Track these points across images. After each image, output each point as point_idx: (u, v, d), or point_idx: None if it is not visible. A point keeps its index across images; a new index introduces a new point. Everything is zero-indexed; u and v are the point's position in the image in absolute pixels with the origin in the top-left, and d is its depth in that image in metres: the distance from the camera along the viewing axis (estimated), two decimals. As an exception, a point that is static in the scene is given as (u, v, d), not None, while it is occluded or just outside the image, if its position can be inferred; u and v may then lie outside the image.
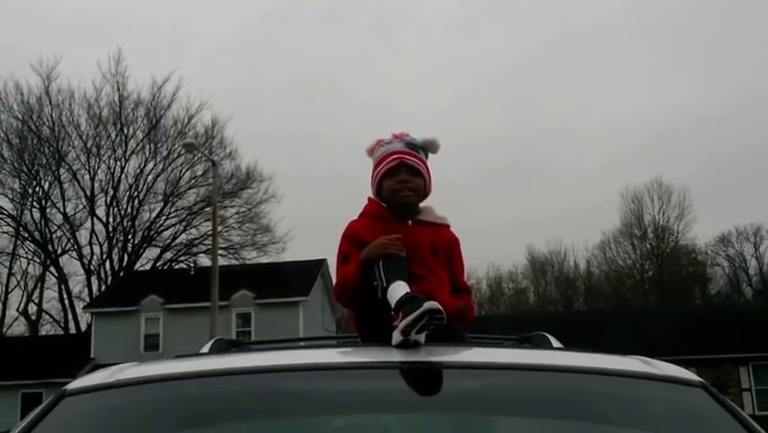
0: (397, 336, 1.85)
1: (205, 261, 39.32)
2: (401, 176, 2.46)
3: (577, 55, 76.53)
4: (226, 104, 70.90)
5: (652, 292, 54.21)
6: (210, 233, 29.08)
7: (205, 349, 2.57)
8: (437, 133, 2.57)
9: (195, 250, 43.28)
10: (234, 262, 40.93)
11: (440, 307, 1.88)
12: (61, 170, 41.17)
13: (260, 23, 75.86)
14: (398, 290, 2.05)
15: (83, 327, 39.94)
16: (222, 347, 2.63)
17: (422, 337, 1.85)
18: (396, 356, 1.79)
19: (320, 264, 32.97)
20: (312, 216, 61.30)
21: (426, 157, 2.58)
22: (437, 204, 2.61)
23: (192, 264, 39.85)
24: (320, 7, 76.73)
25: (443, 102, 76.56)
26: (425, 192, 2.54)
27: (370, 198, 2.58)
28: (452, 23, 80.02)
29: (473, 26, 79.84)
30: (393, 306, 2.00)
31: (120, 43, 58.08)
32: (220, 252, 34.72)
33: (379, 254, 2.20)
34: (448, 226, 2.58)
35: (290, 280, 31.66)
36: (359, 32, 77.67)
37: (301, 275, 32.20)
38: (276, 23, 77.33)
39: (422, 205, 2.56)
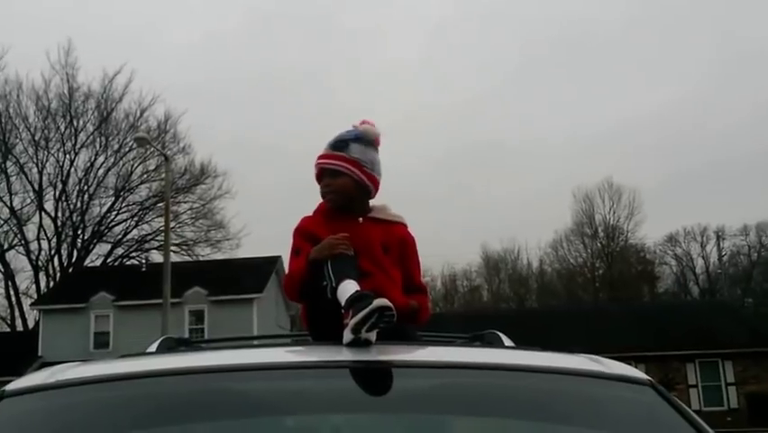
0: (347, 335, 1.84)
1: (157, 257, 38.89)
2: (324, 180, 2.50)
3: (534, 62, 77.45)
4: (182, 100, 69.95)
5: (602, 290, 55.19)
6: (162, 228, 28.67)
7: (153, 348, 2.52)
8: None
9: (147, 246, 42.80)
10: (187, 258, 40.57)
11: (390, 304, 1.87)
12: (8, 163, 40.20)
13: (222, 22, 75.11)
14: (348, 288, 2.04)
15: (30, 324, 39.10)
16: (170, 346, 2.58)
17: (372, 336, 1.84)
18: (346, 355, 1.78)
19: (274, 261, 32.77)
20: (266, 212, 60.89)
21: (369, 147, 2.51)
22: (395, 203, 2.59)
23: (144, 261, 39.36)
24: (299, 11, 76.13)
25: (405, 105, 76.81)
26: (359, 188, 2.48)
27: None
28: (422, 34, 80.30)
29: (445, 37, 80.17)
30: (343, 304, 1.98)
31: (71, 35, 56.75)
32: (173, 248, 34.36)
33: (326, 255, 2.19)
34: (404, 226, 2.56)
35: (244, 276, 31.44)
36: (331, 37, 77.45)
37: (255, 272, 31.99)
38: (238, 24, 76.59)
39: (376, 204, 2.55)
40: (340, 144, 2.50)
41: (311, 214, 2.53)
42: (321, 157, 2.51)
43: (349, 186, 2.47)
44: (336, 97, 70.41)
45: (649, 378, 1.71)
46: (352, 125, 2.54)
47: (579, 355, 1.81)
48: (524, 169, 75.06)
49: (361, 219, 2.47)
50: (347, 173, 2.46)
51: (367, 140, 2.51)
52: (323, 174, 2.50)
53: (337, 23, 77.50)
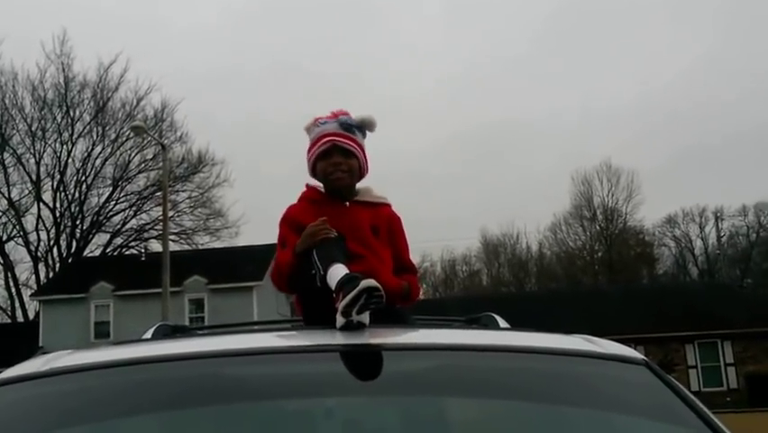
0: (339, 319, 1.84)
1: (156, 246, 38.85)
2: (334, 158, 2.45)
3: (535, 43, 77.24)
4: (180, 87, 69.66)
5: (601, 273, 55.22)
6: (161, 218, 28.66)
7: (148, 335, 2.52)
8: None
9: (146, 235, 42.75)
10: (187, 247, 40.52)
11: (377, 285, 1.86)
12: (5, 154, 40.10)
13: (221, 8, 74.79)
14: (337, 272, 2.03)
15: (31, 315, 39.14)
16: (165, 333, 2.58)
17: (365, 318, 1.83)
18: (338, 339, 1.77)
19: (274, 248, 32.57)
20: (266, 199, 60.87)
21: (364, 136, 2.56)
22: (395, 188, 2.59)
23: (143, 250, 39.38)
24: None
25: (403, 88, 76.71)
26: (360, 173, 2.52)
27: (307, 185, 2.56)
28: (430, 17, 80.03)
29: (450, 21, 79.83)
30: (333, 288, 1.98)
31: (65, 24, 56.42)
32: (172, 237, 34.38)
33: (310, 244, 2.18)
34: (388, 205, 2.57)
35: (243, 264, 31.45)
36: (336, 21, 77.12)
37: (254, 259, 31.97)
38: (238, 10, 76.29)
39: (360, 186, 2.55)
40: (348, 126, 2.49)
41: (296, 202, 2.52)
42: (335, 134, 2.46)
43: (357, 169, 2.49)
44: (338, 81, 70.11)
45: (643, 357, 1.71)
46: (330, 112, 2.54)
47: (573, 336, 1.81)
48: (522, 152, 75.12)
49: (348, 203, 2.47)
50: (358, 156, 2.49)
51: (367, 129, 2.55)
52: (332, 151, 2.45)
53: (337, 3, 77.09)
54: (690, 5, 74.80)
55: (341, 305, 1.83)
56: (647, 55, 74.99)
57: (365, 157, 2.52)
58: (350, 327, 1.82)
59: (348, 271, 2.02)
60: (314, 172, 2.52)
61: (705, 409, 1.53)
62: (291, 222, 2.40)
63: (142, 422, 1.50)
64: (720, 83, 73.25)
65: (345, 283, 1.91)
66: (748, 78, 73.22)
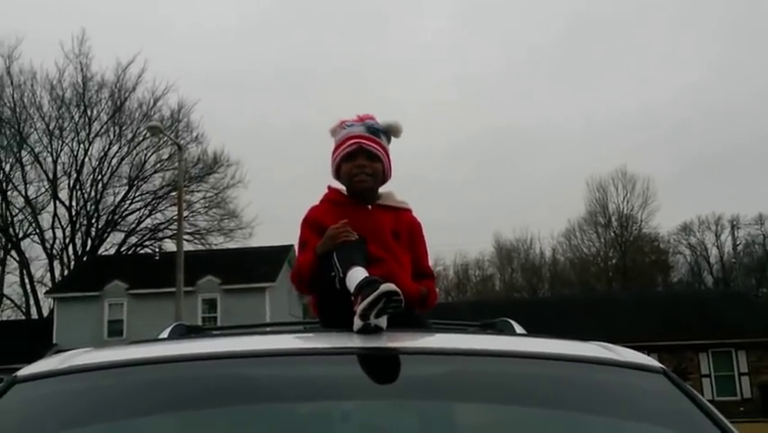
0: (357, 322, 1.84)
1: (170, 246, 39.12)
2: (359, 160, 2.46)
3: (547, 51, 77.03)
4: (196, 88, 69.92)
5: (615, 280, 54.94)
6: (176, 217, 28.79)
7: (164, 335, 2.53)
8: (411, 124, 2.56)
9: (160, 235, 42.98)
10: (200, 247, 40.64)
11: (397, 289, 1.87)
12: (23, 153, 40.45)
13: (236, 11, 75.10)
14: (356, 275, 2.04)
15: (45, 312, 39.42)
16: (181, 333, 2.60)
17: (383, 322, 1.83)
18: (355, 342, 1.77)
19: (287, 250, 32.83)
20: (280, 201, 60.95)
21: (389, 141, 2.56)
22: (408, 192, 2.60)
23: (157, 249, 39.59)
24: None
25: (418, 94, 76.68)
26: (383, 177, 2.53)
27: (329, 186, 2.57)
28: (441, 20, 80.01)
29: (459, 26, 79.75)
30: (352, 291, 1.98)
31: (84, 24, 56.83)
32: (186, 237, 34.53)
33: (331, 246, 2.18)
34: (410, 211, 2.58)
35: (257, 265, 31.54)
36: (344, 26, 77.27)
37: (268, 261, 32.08)
38: (255, 14, 76.58)
39: (383, 190, 2.56)
40: (374, 130, 2.50)
41: (318, 203, 2.52)
42: (361, 137, 2.48)
43: (381, 173, 2.50)
44: (353, 85, 70.22)
45: (662, 366, 1.70)
46: (356, 115, 2.55)
47: (591, 343, 1.79)
48: (536, 157, 74.88)
49: (370, 207, 2.47)
50: (383, 160, 2.50)
51: (392, 135, 2.56)
52: (358, 153, 2.46)
53: (352, 9, 77.21)
54: (709, 8, 74.36)
55: (359, 308, 1.83)
56: (665, 60, 74.62)
57: (389, 162, 2.53)
58: (367, 330, 1.82)
59: (368, 275, 2.02)
60: (338, 174, 2.53)
61: (723, 419, 1.52)
62: (313, 223, 2.40)
63: (160, 421, 1.51)
64: (738, 89, 72.81)
65: (365, 286, 1.91)
66: (766, 83, 72.72)
